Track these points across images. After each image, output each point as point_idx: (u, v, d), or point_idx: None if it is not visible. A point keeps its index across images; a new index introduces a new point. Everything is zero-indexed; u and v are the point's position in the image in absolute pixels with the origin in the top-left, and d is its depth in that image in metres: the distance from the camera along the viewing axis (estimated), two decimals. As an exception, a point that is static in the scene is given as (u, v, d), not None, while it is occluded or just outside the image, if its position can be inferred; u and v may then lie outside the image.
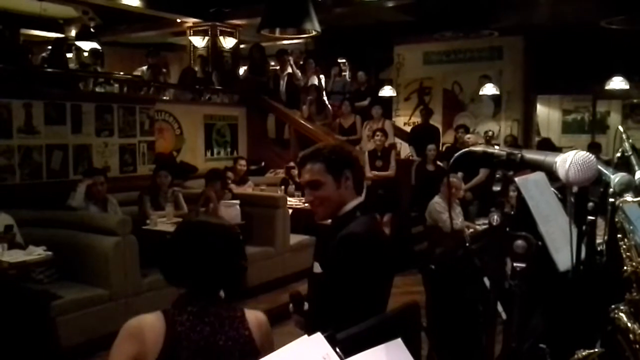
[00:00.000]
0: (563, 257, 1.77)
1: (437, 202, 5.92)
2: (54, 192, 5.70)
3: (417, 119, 10.78)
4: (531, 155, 1.07)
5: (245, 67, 10.82)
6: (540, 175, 1.92)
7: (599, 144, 8.95)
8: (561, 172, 1.00)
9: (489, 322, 1.12)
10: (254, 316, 1.71)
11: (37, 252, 4.35)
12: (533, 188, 1.91)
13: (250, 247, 6.16)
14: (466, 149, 1.17)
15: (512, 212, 1.01)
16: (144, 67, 9.45)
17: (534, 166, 1.05)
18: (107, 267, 4.60)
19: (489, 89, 10.10)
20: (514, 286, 1.01)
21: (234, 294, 1.70)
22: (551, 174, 1.02)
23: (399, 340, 0.97)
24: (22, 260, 4.25)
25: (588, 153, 1.01)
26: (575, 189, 1.55)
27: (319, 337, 0.90)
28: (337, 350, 0.89)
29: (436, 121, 10.60)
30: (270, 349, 1.65)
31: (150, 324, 1.55)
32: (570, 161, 0.99)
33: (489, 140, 9.36)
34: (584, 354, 1.21)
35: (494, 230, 1.04)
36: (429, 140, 8.20)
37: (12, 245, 4.39)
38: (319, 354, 0.87)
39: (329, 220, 2.03)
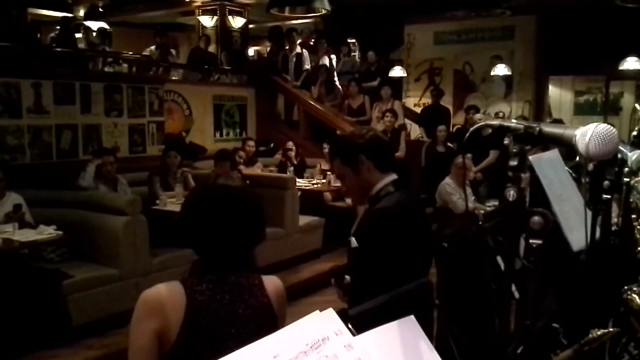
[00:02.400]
0: (577, 236, 1.75)
1: (448, 184, 5.88)
2: (63, 172, 5.72)
3: (427, 100, 10.70)
4: (550, 128, 1.04)
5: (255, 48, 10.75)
6: (554, 154, 1.89)
7: (612, 126, 8.84)
8: (581, 145, 0.97)
9: (503, 300, 1.11)
10: (272, 283, 1.67)
11: (47, 232, 4.37)
12: (547, 167, 1.88)
13: (260, 227, 6.17)
14: (483, 123, 1.14)
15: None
16: (152, 47, 9.42)
17: (553, 140, 1.02)
18: (117, 247, 4.61)
19: (501, 70, 9.99)
20: (530, 263, 0.99)
21: (253, 261, 1.64)
22: (567, 151, 1.00)
23: (412, 317, 0.96)
24: (33, 239, 4.27)
25: (609, 126, 0.98)
26: (590, 167, 1.52)
27: (330, 312, 0.89)
28: (349, 326, 0.88)
29: (447, 102, 10.51)
30: (285, 314, 1.66)
31: (169, 295, 1.49)
32: (591, 134, 0.96)
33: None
34: (598, 333, 1.19)
35: (510, 206, 1.01)
36: (439, 121, 8.14)
37: (22, 225, 4.42)
38: (330, 330, 0.86)
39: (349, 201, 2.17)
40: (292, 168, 7.66)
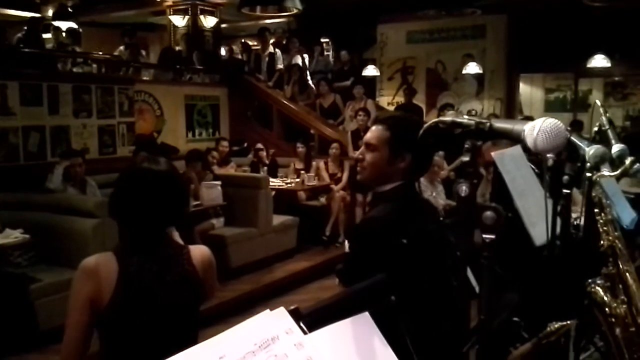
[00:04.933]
0: (539, 231, 1.77)
1: (420, 181, 5.92)
2: (31, 174, 5.62)
3: (400, 99, 10.76)
4: (500, 124, 1.04)
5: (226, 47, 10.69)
6: (517, 150, 1.91)
7: (581, 122, 9.00)
8: (529, 139, 0.98)
9: (460, 296, 1.11)
10: (199, 251, 1.84)
11: (14, 235, 4.30)
12: (509, 163, 1.90)
13: (233, 227, 6.14)
14: (435, 120, 1.14)
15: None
16: (122, 47, 9.30)
17: (503, 135, 1.03)
18: (86, 250, 4.51)
19: (472, 68, 10.08)
20: (483, 258, 1.00)
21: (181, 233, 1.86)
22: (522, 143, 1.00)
23: (366, 314, 0.95)
24: (-2, 243, 4.20)
25: (557, 120, 0.99)
26: (550, 162, 1.54)
27: (281, 311, 0.88)
28: (301, 324, 0.87)
29: (420, 100, 10.58)
30: (213, 280, 1.87)
31: (104, 263, 1.67)
32: (539, 128, 0.97)
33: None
34: (556, 326, 1.20)
35: (462, 201, 1.02)
36: (412, 119, 8.18)
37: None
38: (281, 328, 0.85)
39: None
40: (265, 168, 7.64)
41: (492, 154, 1.82)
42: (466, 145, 1.03)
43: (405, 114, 2.02)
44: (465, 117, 1.07)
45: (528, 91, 12.18)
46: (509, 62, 10.67)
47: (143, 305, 1.68)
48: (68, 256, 4.57)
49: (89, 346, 1.68)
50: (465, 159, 1.03)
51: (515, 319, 1.39)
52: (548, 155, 1.19)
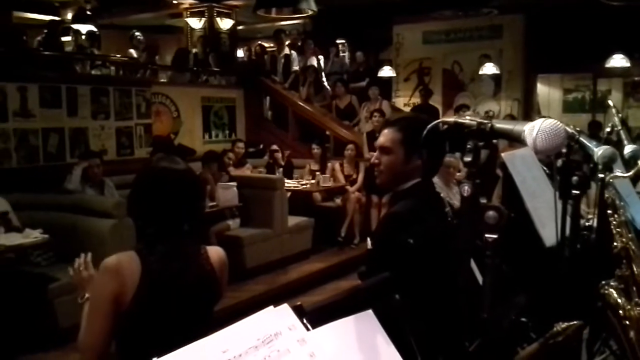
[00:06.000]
0: (549, 232, 1.77)
1: (435, 183, 5.90)
2: (50, 175, 5.71)
3: (416, 100, 10.72)
4: (501, 124, 1.06)
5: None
6: (527, 151, 1.91)
7: (600, 123, 8.89)
8: (529, 140, 0.98)
9: (464, 295, 1.12)
10: (215, 252, 1.87)
11: (33, 235, 4.37)
12: (520, 164, 1.90)
13: (249, 228, 6.18)
14: (438, 120, 1.16)
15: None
16: (131, 50, 9.40)
17: (504, 135, 1.04)
18: (103, 250, 4.59)
19: (489, 69, 10.02)
20: (486, 257, 1.01)
21: (196, 231, 1.84)
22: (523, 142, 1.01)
23: (370, 311, 0.97)
24: (19, 243, 4.28)
25: (556, 120, 1.00)
26: (560, 162, 1.54)
27: (285, 308, 0.90)
28: (304, 321, 0.89)
29: (436, 101, 10.54)
30: (226, 279, 1.90)
31: (126, 262, 1.67)
32: (538, 129, 0.98)
33: (490, 118, 9.29)
34: (563, 326, 1.20)
35: (465, 201, 1.03)
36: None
37: (9, 229, 4.41)
38: (284, 325, 0.87)
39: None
40: (280, 169, 7.67)
41: (503, 154, 1.82)
42: (468, 146, 1.04)
43: (413, 113, 2.04)
44: (468, 117, 1.08)
45: (546, 92, 12.06)
46: (526, 62, 10.59)
47: (164, 304, 1.69)
48: (86, 256, 4.64)
49: (110, 344, 1.68)
50: (468, 159, 1.04)
51: (523, 319, 1.40)
52: (551, 155, 1.19)
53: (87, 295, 1.84)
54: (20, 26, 8.82)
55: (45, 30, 8.64)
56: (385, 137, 1.91)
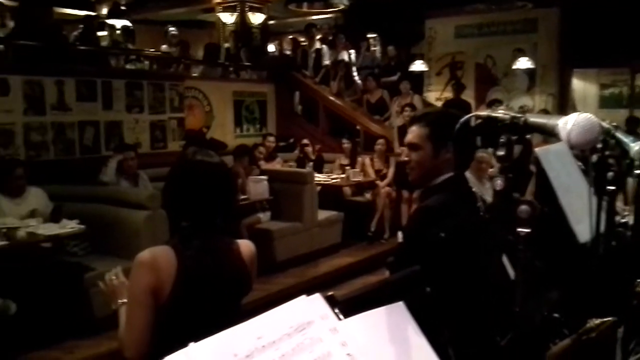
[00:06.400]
0: (583, 228, 1.75)
1: (467, 178, 5.85)
2: (86, 167, 5.83)
3: (448, 94, 10.63)
4: (535, 118, 1.04)
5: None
6: (562, 146, 1.88)
7: (638, 119, 8.68)
8: (563, 134, 0.97)
9: (496, 288, 1.12)
10: (246, 246, 1.87)
11: (70, 226, 4.46)
12: (554, 159, 1.88)
13: (279, 222, 6.22)
14: (471, 114, 1.15)
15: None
16: (164, 46, 9.52)
17: (538, 129, 1.03)
18: (137, 241, 4.68)
19: (523, 63, 9.88)
20: (518, 252, 1.00)
21: (229, 225, 1.87)
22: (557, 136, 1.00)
23: (401, 303, 0.97)
24: (56, 233, 4.37)
25: (591, 115, 0.98)
26: (594, 158, 1.52)
27: (317, 297, 0.91)
28: (336, 310, 0.90)
29: (468, 96, 10.43)
30: (256, 272, 1.90)
31: (162, 256, 1.68)
32: (572, 123, 0.97)
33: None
34: (596, 322, 1.19)
35: (497, 196, 1.02)
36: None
37: (58, 219, 4.54)
38: (316, 314, 0.89)
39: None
40: (311, 163, 7.69)
41: (536, 149, 1.80)
42: (501, 140, 1.04)
43: (440, 108, 2.05)
44: (501, 111, 1.08)
45: (582, 87, 11.80)
46: (561, 56, 10.39)
47: (199, 298, 1.70)
48: (121, 246, 4.73)
49: (150, 340, 1.67)
50: (501, 153, 1.04)
51: (556, 314, 1.38)
52: (586, 150, 1.18)
53: (121, 300, 1.84)
54: (59, 22, 9.01)
55: (81, 26, 8.81)
56: (412, 134, 1.93)
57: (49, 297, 4.14)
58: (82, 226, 4.49)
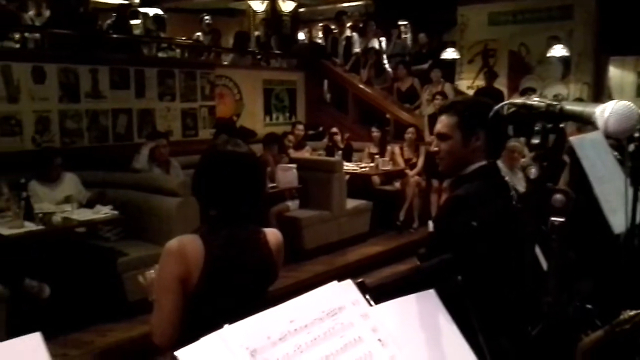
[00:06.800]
0: (619, 219, 1.72)
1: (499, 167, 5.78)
2: (119, 154, 5.92)
3: (480, 82, 10.48)
4: (571, 106, 1.03)
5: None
6: (597, 135, 1.85)
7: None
8: (600, 122, 0.95)
9: (528, 278, 1.11)
10: (273, 235, 1.89)
11: (104, 211, 4.57)
12: (589, 148, 1.84)
13: (307, 210, 6.24)
14: (505, 102, 1.14)
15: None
16: (199, 34, 9.57)
17: (574, 117, 1.01)
18: (169, 227, 4.75)
19: (558, 51, 9.67)
20: (552, 241, 0.99)
21: (257, 214, 1.90)
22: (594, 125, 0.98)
23: (432, 291, 0.97)
24: (90, 218, 4.48)
25: (629, 103, 0.96)
26: (631, 147, 1.49)
27: (348, 283, 0.92)
28: (367, 297, 0.91)
29: (501, 84, 10.27)
30: (282, 260, 1.92)
31: (190, 245, 1.72)
32: (610, 110, 0.95)
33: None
34: (630, 314, 1.17)
35: (532, 184, 1.01)
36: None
37: (103, 203, 4.69)
38: (347, 299, 0.89)
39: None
40: (340, 152, 7.69)
41: (571, 138, 1.77)
42: (536, 128, 1.02)
43: (468, 96, 2.04)
44: (536, 99, 1.06)
45: (618, 75, 11.50)
46: (598, 44, 10.14)
47: (227, 286, 1.73)
48: (153, 232, 4.82)
49: (179, 327, 1.71)
50: (535, 141, 1.03)
51: (588, 305, 1.37)
52: (623, 139, 1.15)
53: None
54: (94, 10, 9.14)
55: (115, 14, 8.92)
56: (441, 123, 1.92)
57: (83, 281, 4.23)
58: (116, 212, 4.59)
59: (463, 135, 1.87)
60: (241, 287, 1.76)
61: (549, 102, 1.04)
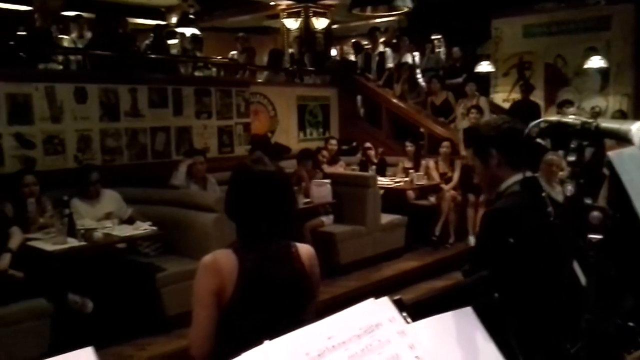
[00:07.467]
0: (661, 235, 1.68)
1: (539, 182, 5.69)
2: (158, 171, 6.03)
3: (516, 95, 10.36)
4: (606, 123, 1.02)
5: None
6: (636, 149, 1.81)
7: None
8: (637, 139, 0.95)
9: (566, 295, 1.10)
10: (305, 250, 1.93)
11: (143, 227, 4.66)
12: (628, 162, 1.81)
13: (342, 225, 6.25)
14: (541, 119, 1.14)
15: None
16: (234, 52, 9.73)
17: (610, 134, 1.01)
18: (206, 242, 4.80)
19: (596, 62, 9.49)
20: (590, 258, 0.98)
21: (288, 230, 1.93)
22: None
23: (469, 308, 0.98)
24: (130, 234, 4.58)
25: (666, 119, 0.95)
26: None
27: (385, 300, 0.93)
28: (404, 314, 0.92)
29: (537, 97, 10.13)
30: (317, 276, 1.94)
31: (224, 260, 1.78)
32: (647, 127, 0.94)
33: (595, 117, 8.83)
34: (674, 333, 1.15)
35: (568, 202, 1.01)
36: (529, 116, 7.82)
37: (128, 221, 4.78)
38: (384, 316, 0.90)
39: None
40: (373, 167, 7.69)
41: (609, 153, 1.74)
42: (572, 146, 1.02)
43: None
44: (571, 116, 1.06)
45: (660, 85, 11.24)
46: (637, 54, 9.93)
47: (260, 299, 1.77)
48: (190, 247, 4.89)
49: (214, 336, 1.76)
50: (571, 159, 1.02)
51: (631, 323, 1.34)
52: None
53: None
54: (132, 31, 9.41)
55: (152, 34, 9.17)
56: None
57: (123, 295, 4.32)
58: (155, 228, 4.67)
59: (481, 160, 2.01)
60: (274, 301, 1.80)
61: (584, 119, 1.04)
